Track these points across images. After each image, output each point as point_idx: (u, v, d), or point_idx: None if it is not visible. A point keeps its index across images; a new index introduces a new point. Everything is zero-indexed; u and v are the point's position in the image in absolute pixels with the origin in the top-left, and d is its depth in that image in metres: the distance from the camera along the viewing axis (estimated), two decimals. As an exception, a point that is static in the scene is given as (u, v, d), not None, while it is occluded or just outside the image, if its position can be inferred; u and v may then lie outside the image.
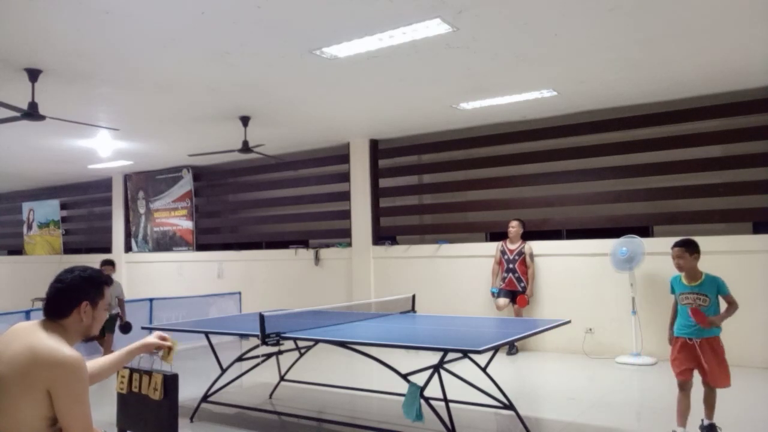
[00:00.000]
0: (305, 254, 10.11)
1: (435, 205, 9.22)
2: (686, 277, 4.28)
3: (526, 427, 4.45)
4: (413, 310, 5.78)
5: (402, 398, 3.90)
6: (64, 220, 14.56)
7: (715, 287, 4.19)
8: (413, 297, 5.85)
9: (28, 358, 2.06)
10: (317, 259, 9.95)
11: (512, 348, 7.64)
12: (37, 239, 15.02)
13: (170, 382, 2.62)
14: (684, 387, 4.19)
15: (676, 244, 4.26)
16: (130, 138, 8.93)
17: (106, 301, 2.39)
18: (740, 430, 4.51)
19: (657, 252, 6.99)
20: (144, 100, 6.74)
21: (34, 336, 2.14)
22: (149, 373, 2.67)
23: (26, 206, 15.26)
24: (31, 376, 2.04)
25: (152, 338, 2.60)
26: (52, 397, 2.05)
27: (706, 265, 6.76)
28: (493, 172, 8.54)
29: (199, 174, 11.86)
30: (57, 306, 2.26)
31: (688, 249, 4.23)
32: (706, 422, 4.16)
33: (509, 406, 4.57)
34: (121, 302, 7.46)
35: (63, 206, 14.55)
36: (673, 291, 4.35)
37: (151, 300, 8.58)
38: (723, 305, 4.23)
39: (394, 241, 9.29)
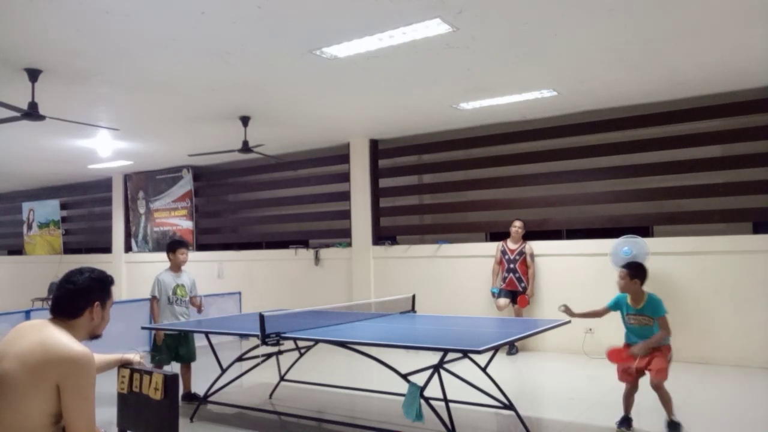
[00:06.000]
0: (305, 254, 10.11)
1: (435, 205, 9.22)
2: (631, 299, 4.41)
3: (526, 427, 4.45)
4: (413, 310, 5.78)
5: (402, 398, 3.90)
6: (64, 220, 14.56)
7: (652, 309, 4.34)
8: (413, 297, 5.85)
9: (40, 354, 2.11)
10: (317, 259, 9.95)
11: (512, 348, 7.64)
12: (37, 239, 15.02)
13: (170, 382, 2.62)
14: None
15: (624, 265, 4.47)
16: (130, 138, 8.93)
17: (113, 300, 2.48)
18: (741, 430, 4.51)
19: (657, 252, 7.00)
20: (144, 100, 6.74)
21: (44, 332, 2.20)
22: (149, 373, 2.67)
23: (26, 206, 15.27)
24: (41, 371, 2.09)
25: (134, 356, 2.77)
26: (60, 392, 2.09)
27: (706, 264, 6.83)
28: (493, 172, 8.55)
29: (199, 174, 11.86)
30: (68, 306, 2.33)
31: (630, 273, 4.36)
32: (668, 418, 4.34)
33: (509, 406, 4.57)
34: (194, 301, 5.83)
35: (63, 206, 14.56)
36: (616, 307, 4.51)
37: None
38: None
39: (394, 241, 9.29)
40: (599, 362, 6.94)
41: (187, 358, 5.56)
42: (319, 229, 10.22)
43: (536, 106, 7.36)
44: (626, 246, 6.99)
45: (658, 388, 4.27)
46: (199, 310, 5.92)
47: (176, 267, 5.71)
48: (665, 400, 4.29)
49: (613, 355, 4.40)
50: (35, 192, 15.18)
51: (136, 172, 12.61)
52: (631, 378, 4.39)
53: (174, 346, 5.49)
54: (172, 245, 5.73)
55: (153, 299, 5.62)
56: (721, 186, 7.02)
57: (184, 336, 5.53)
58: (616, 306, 4.52)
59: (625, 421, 4.42)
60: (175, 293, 5.61)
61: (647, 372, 4.34)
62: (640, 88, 6.68)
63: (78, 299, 2.33)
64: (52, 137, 8.65)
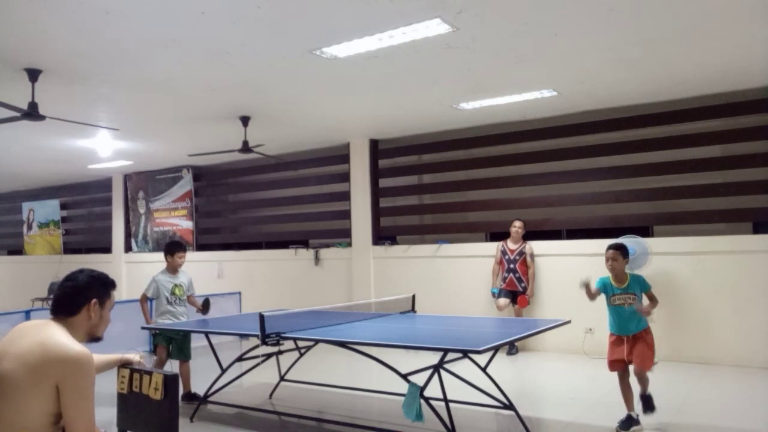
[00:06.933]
0: (305, 254, 10.11)
1: (435, 205, 9.21)
2: (615, 280, 4.56)
3: (526, 427, 4.45)
4: (413, 310, 5.78)
5: (402, 398, 3.90)
6: (64, 220, 14.56)
7: (639, 285, 4.54)
8: (413, 297, 5.85)
9: (39, 354, 2.11)
10: (317, 259, 9.95)
11: (512, 348, 7.64)
12: (37, 239, 15.02)
13: (170, 382, 2.62)
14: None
15: (612, 247, 4.58)
16: (130, 138, 8.93)
17: (112, 303, 2.47)
18: (741, 430, 4.51)
19: (657, 252, 7.00)
20: (144, 100, 6.74)
21: (44, 333, 2.20)
22: (149, 373, 2.67)
23: (26, 206, 15.27)
24: (41, 371, 2.09)
25: (134, 356, 2.76)
26: (60, 392, 2.09)
27: (706, 264, 6.83)
28: (493, 172, 8.54)
29: (199, 174, 11.86)
30: (67, 304, 2.34)
31: (622, 253, 4.55)
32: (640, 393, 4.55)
33: (509, 406, 4.57)
34: (191, 299, 5.88)
35: (63, 206, 14.56)
36: (603, 289, 4.60)
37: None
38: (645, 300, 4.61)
39: (394, 241, 9.29)
40: (599, 362, 6.94)
41: (181, 356, 5.57)
42: (319, 229, 10.22)
43: (536, 106, 7.36)
44: (630, 245, 6.99)
45: (640, 376, 4.46)
46: (198, 310, 5.89)
47: (173, 269, 5.74)
48: (644, 382, 4.50)
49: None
50: (35, 192, 15.18)
51: (136, 172, 12.61)
52: (621, 366, 4.49)
53: (171, 339, 5.51)
54: (171, 248, 5.74)
55: (142, 297, 5.70)
56: (721, 186, 7.02)
57: (183, 336, 5.53)
58: (603, 289, 4.60)
59: (628, 421, 4.40)
60: (173, 293, 5.64)
61: (632, 361, 4.48)
62: (640, 88, 6.68)
63: (76, 295, 2.34)
64: (52, 137, 8.65)
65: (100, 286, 2.41)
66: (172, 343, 5.53)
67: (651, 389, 4.57)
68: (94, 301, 2.36)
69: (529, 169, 8.28)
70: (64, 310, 2.33)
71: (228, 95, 6.62)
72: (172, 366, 5.44)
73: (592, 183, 7.86)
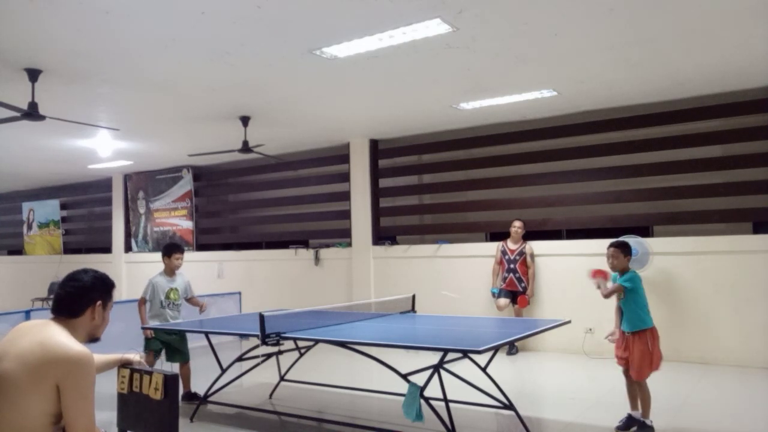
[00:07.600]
0: (305, 254, 10.11)
1: (435, 205, 9.22)
2: (619, 277, 4.56)
3: (526, 427, 4.45)
4: (413, 310, 5.78)
5: (402, 398, 3.90)
6: (64, 220, 14.56)
7: (623, 278, 4.48)
8: (413, 297, 5.85)
9: (39, 354, 2.11)
10: (317, 259, 9.95)
11: (512, 348, 7.64)
12: (37, 239, 15.02)
13: (170, 382, 2.62)
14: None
15: (613, 245, 4.55)
16: (130, 138, 8.93)
17: (112, 303, 2.47)
18: (741, 430, 4.51)
19: (657, 252, 7.00)
20: (144, 100, 6.74)
21: (44, 332, 2.19)
22: (150, 373, 2.67)
23: (26, 206, 15.27)
24: (41, 372, 2.09)
25: (134, 356, 2.77)
26: (60, 392, 2.09)
27: (706, 264, 6.83)
28: (493, 172, 8.55)
29: (199, 174, 11.86)
30: (70, 304, 2.32)
31: (622, 250, 4.52)
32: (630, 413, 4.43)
33: (509, 406, 4.57)
34: (194, 300, 5.88)
35: (63, 206, 14.56)
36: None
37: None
38: (648, 298, 4.54)
39: (394, 241, 9.29)
40: (599, 362, 6.95)
41: (180, 358, 5.56)
42: (319, 229, 10.22)
43: (536, 106, 7.36)
44: (631, 246, 6.99)
45: (639, 384, 4.36)
46: (201, 310, 5.88)
47: (170, 271, 5.67)
48: (643, 399, 4.36)
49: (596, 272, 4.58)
50: (35, 192, 15.18)
51: (136, 172, 12.61)
52: (624, 363, 4.45)
53: (166, 343, 5.48)
54: (168, 249, 5.69)
55: (141, 300, 5.59)
56: (721, 186, 7.02)
57: (180, 338, 5.51)
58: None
59: (628, 421, 4.40)
60: (168, 297, 5.58)
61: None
62: (640, 88, 6.68)
63: (81, 297, 2.33)
64: (52, 137, 8.65)
65: (104, 286, 2.41)
66: (168, 347, 5.49)
67: (660, 391, 4.56)
68: (98, 303, 2.36)
69: (529, 169, 8.28)
70: (67, 311, 2.31)
71: (228, 95, 6.62)
72: (172, 366, 5.44)
73: (592, 183, 7.86)
